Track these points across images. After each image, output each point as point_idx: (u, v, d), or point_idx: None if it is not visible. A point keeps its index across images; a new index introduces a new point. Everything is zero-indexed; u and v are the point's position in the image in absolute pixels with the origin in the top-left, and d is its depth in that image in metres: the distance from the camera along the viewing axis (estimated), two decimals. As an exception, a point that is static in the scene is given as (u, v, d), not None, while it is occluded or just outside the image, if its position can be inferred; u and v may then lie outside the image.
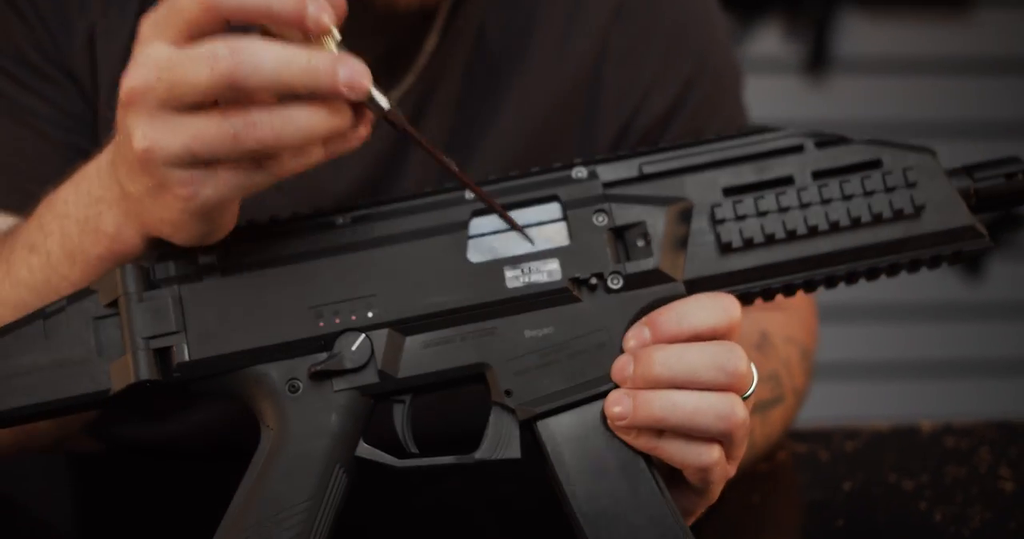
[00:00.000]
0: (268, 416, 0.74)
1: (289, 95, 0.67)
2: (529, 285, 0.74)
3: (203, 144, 0.67)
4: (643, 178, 0.76)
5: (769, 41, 2.42)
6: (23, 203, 0.89)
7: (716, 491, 0.76)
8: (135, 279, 0.74)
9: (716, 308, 0.73)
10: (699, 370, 0.72)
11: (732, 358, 0.72)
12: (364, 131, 0.70)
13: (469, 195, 0.76)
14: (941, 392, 2.54)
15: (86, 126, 1.01)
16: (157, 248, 0.75)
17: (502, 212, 0.75)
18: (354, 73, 0.67)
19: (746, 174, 0.76)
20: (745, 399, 0.73)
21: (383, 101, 0.69)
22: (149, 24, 0.68)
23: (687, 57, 1.09)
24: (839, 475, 0.98)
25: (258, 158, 0.68)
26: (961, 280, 2.53)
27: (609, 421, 0.73)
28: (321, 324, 0.73)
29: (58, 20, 1.01)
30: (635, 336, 0.74)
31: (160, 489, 1.02)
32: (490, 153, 1.06)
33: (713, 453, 0.73)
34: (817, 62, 2.42)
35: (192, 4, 0.67)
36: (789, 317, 1.08)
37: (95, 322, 0.74)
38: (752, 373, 0.74)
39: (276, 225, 0.76)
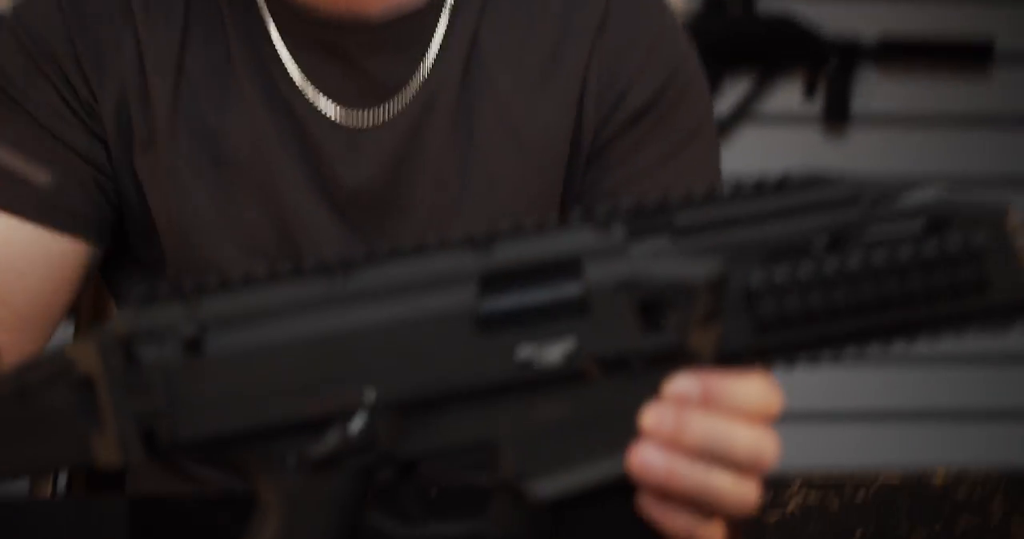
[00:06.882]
0: (264, 494, 0.70)
1: None
2: (543, 363, 0.67)
3: None
4: (675, 234, 0.68)
5: (788, 95, 2.45)
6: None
7: None
8: (115, 354, 0.69)
9: (768, 395, 0.67)
10: (737, 450, 0.66)
11: (771, 448, 0.67)
12: None
13: (479, 251, 0.69)
14: (956, 440, 2.54)
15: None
16: (134, 307, 0.71)
17: None
18: None
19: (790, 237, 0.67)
20: None
21: None
22: None
23: (664, 62, 1.13)
24: (851, 524, 0.99)
25: None
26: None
27: (634, 471, 0.66)
28: (318, 403, 0.69)
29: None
30: (680, 389, 0.66)
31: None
32: (492, 161, 1.10)
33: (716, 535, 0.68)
34: (835, 115, 2.45)
35: None
36: None
37: (74, 390, 0.70)
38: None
39: (266, 282, 0.70)
